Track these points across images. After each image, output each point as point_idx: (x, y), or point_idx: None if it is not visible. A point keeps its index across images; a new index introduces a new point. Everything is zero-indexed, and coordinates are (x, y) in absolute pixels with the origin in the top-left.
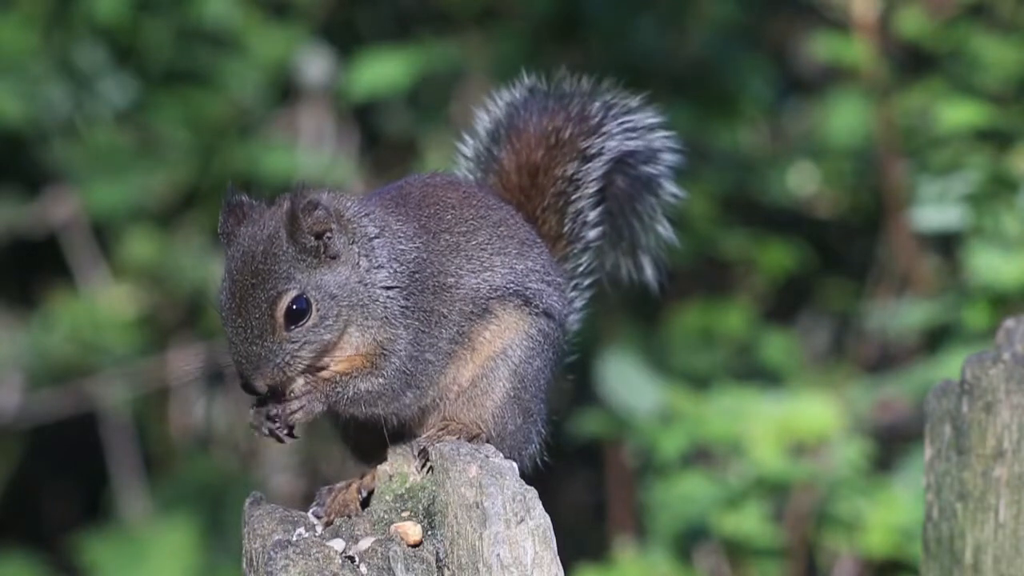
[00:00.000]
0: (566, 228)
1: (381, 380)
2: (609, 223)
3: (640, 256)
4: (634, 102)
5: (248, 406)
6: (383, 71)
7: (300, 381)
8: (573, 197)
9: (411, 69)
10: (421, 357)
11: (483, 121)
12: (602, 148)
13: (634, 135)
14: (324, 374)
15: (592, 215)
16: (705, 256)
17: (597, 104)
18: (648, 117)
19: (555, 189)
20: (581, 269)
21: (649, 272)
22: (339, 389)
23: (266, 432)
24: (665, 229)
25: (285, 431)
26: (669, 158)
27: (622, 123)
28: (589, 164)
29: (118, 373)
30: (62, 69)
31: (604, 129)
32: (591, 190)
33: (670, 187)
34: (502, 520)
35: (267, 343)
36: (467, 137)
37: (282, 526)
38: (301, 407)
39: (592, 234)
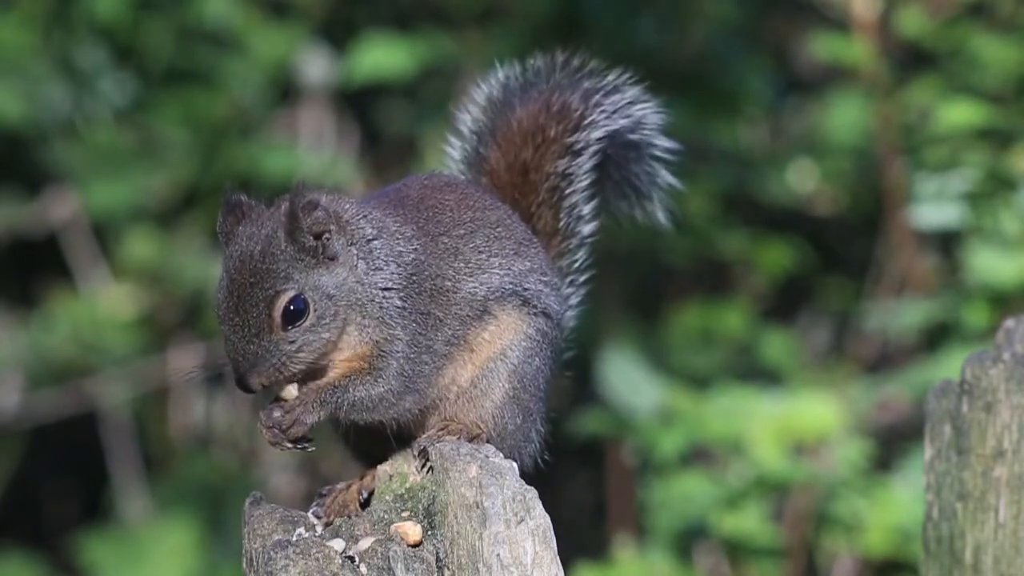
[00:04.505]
0: (561, 224)
1: (380, 383)
2: (611, 186)
3: (648, 205)
4: (611, 82)
5: (249, 408)
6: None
7: (294, 391)
8: (567, 192)
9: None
10: (418, 359)
11: (465, 121)
12: (588, 140)
13: (616, 115)
14: (321, 382)
15: (586, 209)
16: (705, 256)
17: (577, 96)
18: (627, 94)
19: (548, 184)
20: (577, 265)
21: (660, 215)
22: (338, 396)
23: (288, 447)
24: (665, 179)
25: (291, 445)
26: (654, 120)
27: (604, 109)
28: (579, 158)
29: (118, 373)
30: (62, 69)
31: (587, 121)
32: (584, 183)
33: (662, 143)
34: (502, 520)
35: (264, 342)
36: (453, 139)
37: (282, 526)
38: (296, 420)
39: (587, 229)
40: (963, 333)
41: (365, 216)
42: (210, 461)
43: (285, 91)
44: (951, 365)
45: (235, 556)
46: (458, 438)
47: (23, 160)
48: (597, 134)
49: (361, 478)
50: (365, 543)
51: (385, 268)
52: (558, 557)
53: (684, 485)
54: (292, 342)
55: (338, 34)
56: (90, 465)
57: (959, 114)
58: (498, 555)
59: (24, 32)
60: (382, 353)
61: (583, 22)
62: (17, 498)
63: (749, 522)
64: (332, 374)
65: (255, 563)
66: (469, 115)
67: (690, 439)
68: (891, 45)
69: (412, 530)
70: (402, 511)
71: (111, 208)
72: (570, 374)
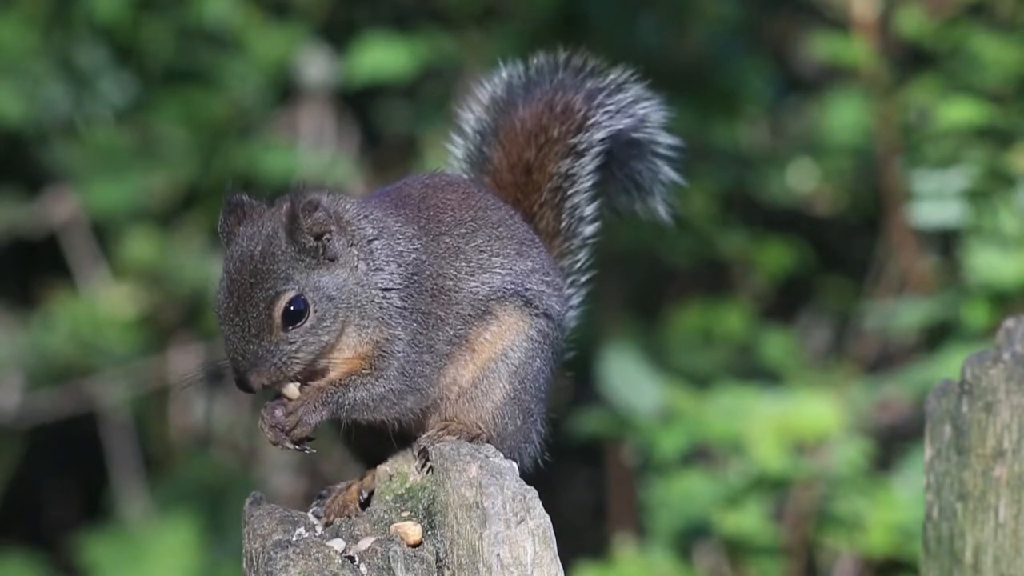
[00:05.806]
0: (563, 224)
1: (381, 383)
2: (613, 182)
3: (650, 201)
4: (614, 81)
5: (249, 408)
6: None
7: (296, 391)
8: (569, 192)
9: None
10: (419, 359)
11: (468, 120)
12: (591, 141)
13: (619, 114)
14: (322, 382)
15: (588, 210)
16: (705, 256)
17: (580, 97)
18: (630, 93)
19: (551, 184)
20: (578, 266)
21: (662, 210)
22: (339, 396)
23: (290, 447)
24: (668, 175)
25: (292, 445)
26: (657, 118)
27: (607, 110)
28: (582, 159)
29: (118, 373)
30: (62, 69)
31: (590, 122)
32: (587, 184)
33: (665, 139)
34: (502, 520)
35: (264, 343)
36: (456, 138)
37: (282, 526)
38: (299, 421)
39: (589, 230)
40: (963, 333)
41: (366, 216)
42: (210, 461)
43: (285, 91)
44: (951, 365)
45: (235, 556)
46: (458, 438)
47: (23, 160)
48: (600, 135)
49: (361, 478)
50: (365, 543)
51: (385, 268)
52: (558, 557)
53: (684, 484)
54: (292, 343)
55: (338, 34)
56: (90, 465)
57: (959, 113)
58: (498, 555)
59: (24, 32)
60: (383, 353)
61: (583, 22)
62: (17, 498)
63: (749, 521)
64: (333, 374)
65: (255, 563)
66: (472, 114)
67: (690, 439)
68: (891, 45)
69: (412, 530)
70: (402, 511)
71: (111, 208)
72: (570, 374)
